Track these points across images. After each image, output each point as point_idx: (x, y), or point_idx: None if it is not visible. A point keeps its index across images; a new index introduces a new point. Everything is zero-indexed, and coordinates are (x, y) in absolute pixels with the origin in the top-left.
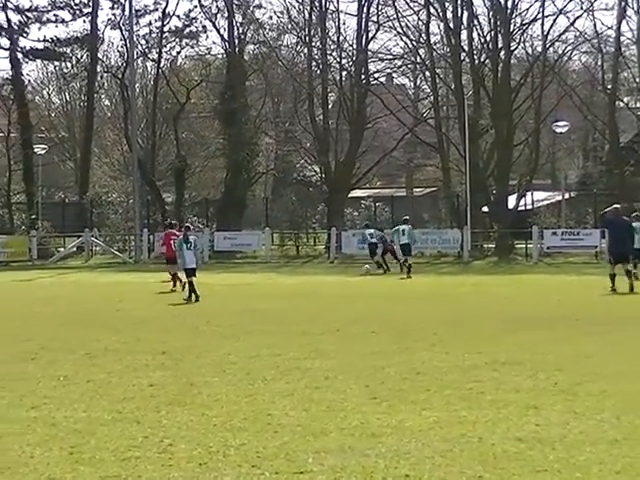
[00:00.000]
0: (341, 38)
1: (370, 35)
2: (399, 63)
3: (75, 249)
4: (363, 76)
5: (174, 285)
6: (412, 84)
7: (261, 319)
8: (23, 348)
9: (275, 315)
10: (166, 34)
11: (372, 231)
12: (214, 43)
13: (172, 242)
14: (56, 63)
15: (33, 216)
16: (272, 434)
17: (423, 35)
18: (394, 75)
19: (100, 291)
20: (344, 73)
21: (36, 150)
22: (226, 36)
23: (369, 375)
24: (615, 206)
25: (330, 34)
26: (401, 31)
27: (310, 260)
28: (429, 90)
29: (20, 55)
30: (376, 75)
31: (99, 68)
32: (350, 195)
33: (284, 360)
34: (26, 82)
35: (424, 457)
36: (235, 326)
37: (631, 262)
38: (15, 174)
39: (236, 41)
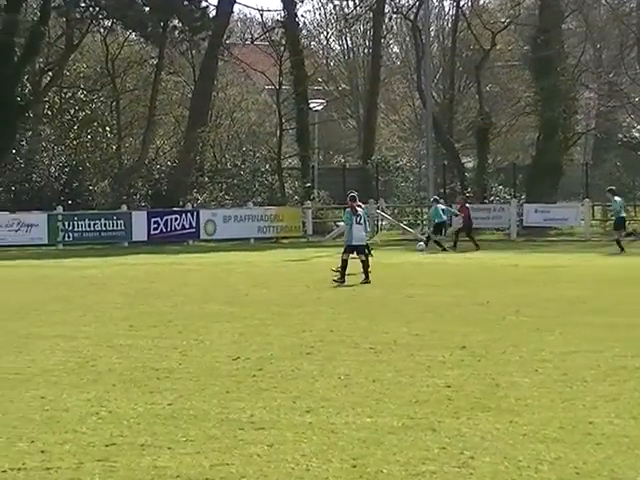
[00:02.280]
0: None
1: None
2: None
3: None
4: None
5: None
6: None
7: (580, 309)
8: (297, 341)
9: (597, 304)
10: None
11: None
12: None
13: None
14: (336, 2)
15: (308, 184)
16: (593, 446)
17: None
18: None
19: (387, 273)
20: None
21: (312, 105)
22: None
23: None
24: None
25: None
26: None
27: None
28: None
29: None
30: None
31: (387, 8)
32: None
33: (607, 358)
34: (301, 25)
35: None
36: (548, 317)
37: None
38: (287, 134)
39: None
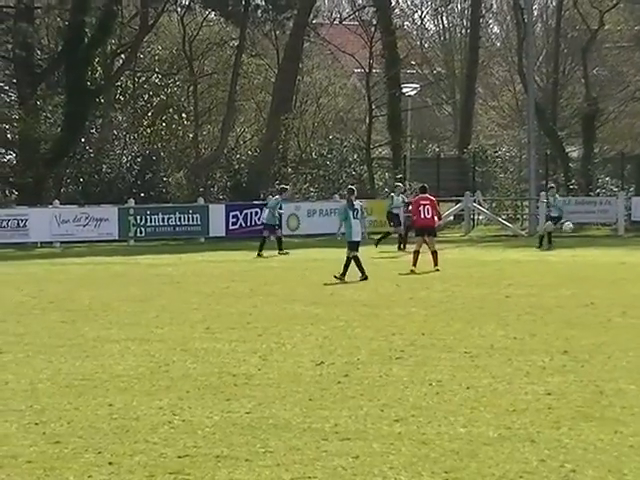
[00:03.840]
0: None
1: None
2: None
3: (452, 217)
4: None
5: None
6: None
7: None
8: (386, 345)
9: None
10: None
11: None
12: None
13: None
14: None
15: (399, 175)
16: None
17: None
18: None
19: (484, 272)
20: None
21: (405, 90)
22: None
23: None
24: None
25: None
26: None
27: None
28: None
29: None
30: None
31: None
32: None
33: None
34: (393, 3)
35: None
36: None
37: None
38: (377, 121)
39: None
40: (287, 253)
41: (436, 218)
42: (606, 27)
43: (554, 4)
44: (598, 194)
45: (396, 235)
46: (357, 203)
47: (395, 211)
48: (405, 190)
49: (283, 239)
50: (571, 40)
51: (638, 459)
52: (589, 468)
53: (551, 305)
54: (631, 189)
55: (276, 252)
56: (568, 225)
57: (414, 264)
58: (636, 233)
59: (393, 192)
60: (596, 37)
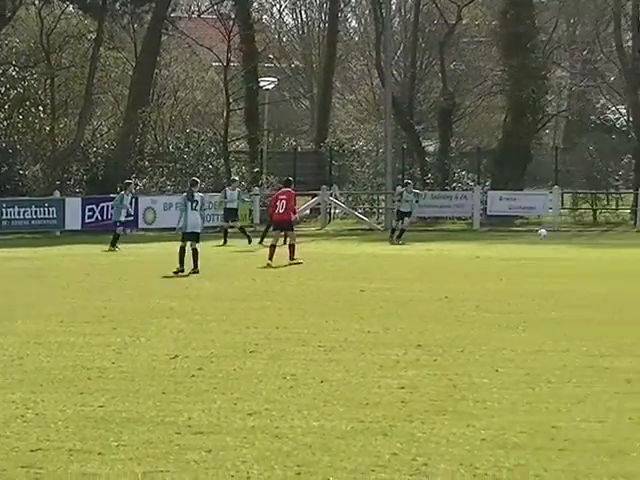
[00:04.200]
0: None
1: None
2: None
3: (309, 211)
4: None
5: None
6: None
7: (546, 304)
8: (241, 338)
9: (564, 299)
10: None
11: None
12: None
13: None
14: None
15: (256, 169)
16: (556, 453)
17: None
18: None
19: (340, 265)
20: None
21: (262, 84)
22: None
23: None
24: None
25: None
26: None
27: (611, 229)
28: None
29: None
30: None
31: None
32: None
33: (574, 357)
34: None
35: None
36: (512, 313)
37: None
38: (235, 115)
39: None
40: (115, 250)
41: (292, 213)
42: (464, 22)
43: None
44: (454, 188)
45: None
46: (198, 195)
47: (230, 205)
48: (262, 184)
49: (139, 232)
50: (429, 34)
51: (490, 452)
52: (441, 461)
53: (406, 299)
54: (487, 183)
55: (131, 246)
56: (543, 232)
57: (270, 258)
58: (491, 227)
59: (229, 186)
60: (454, 32)
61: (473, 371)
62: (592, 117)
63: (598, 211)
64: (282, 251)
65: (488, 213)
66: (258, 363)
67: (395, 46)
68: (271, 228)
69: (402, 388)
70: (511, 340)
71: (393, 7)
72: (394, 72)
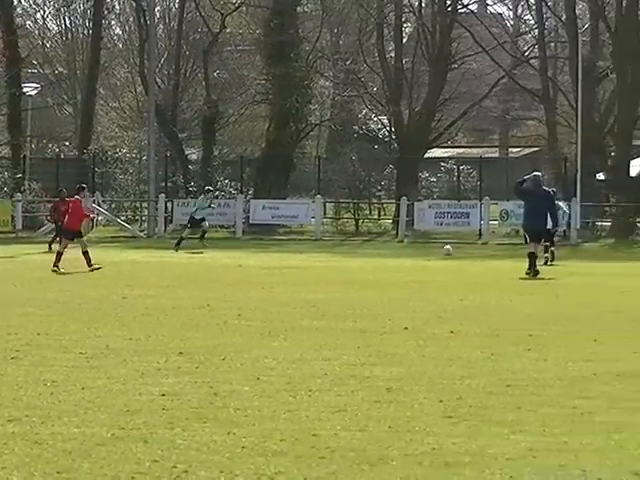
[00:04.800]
0: None
1: None
2: None
3: None
4: (449, 2)
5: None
6: (511, 14)
7: (308, 313)
8: (2, 344)
9: (326, 308)
10: None
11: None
12: None
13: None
14: None
15: (19, 175)
16: (317, 460)
17: None
18: (488, 1)
19: (102, 273)
20: None
21: (26, 90)
22: None
23: (444, 387)
24: (535, 173)
25: None
26: None
27: (373, 238)
28: (533, 22)
29: None
30: (465, 1)
31: None
32: (427, 155)
33: (335, 366)
34: (15, 2)
35: None
36: (274, 321)
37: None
38: None
39: None
40: None
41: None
42: (228, 30)
43: (177, 6)
44: (217, 197)
45: None
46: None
47: None
48: (24, 190)
49: None
50: (193, 42)
51: (250, 460)
52: (202, 469)
53: (168, 306)
54: (250, 192)
55: None
56: (448, 249)
57: (55, 265)
58: (254, 236)
59: None
60: (218, 40)
61: (234, 379)
62: (355, 127)
63: (360, 221)
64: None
65: (251, 222)
66: (19, 369)
67: (159, 54)
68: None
69: (163, 395)
70: (273, 348)
71: (157, 15)
72: (158, 80)
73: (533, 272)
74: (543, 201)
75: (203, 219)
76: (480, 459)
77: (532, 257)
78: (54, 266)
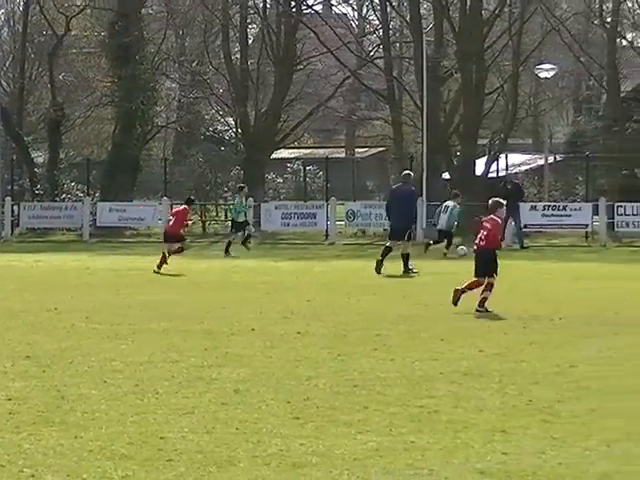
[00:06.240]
0: None
1: None
2: None
3: None
4: (293, 3)
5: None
6: (356, 14)
7: (156, 315)
8: None
9: (174, 310)
10: None
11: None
12: None
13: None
14: None
15: None
16: (164, 463)
17: None
18: (333, 2)
19: None
20: None
21: None
22: None
23: (291, 388)
24: (406, 172)
25: None
26: None
27: (220, 240)
28: (378, 22)
29: None
30: (310, 2)
31: None
32: (273, 156)
33: (183, 368)
34: None
35: None
36: (121, 324)
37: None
38: None
39: None
40: None
41: None
42: (73, 32)
43: (21, 9)
44: (64, 199)
45: None
46: None
47: None
48: None
49: None
50: (38, 45)
51: (97, 463)
52: (48, 473)
53: (15, 310)
54: (97, 194)
55: None
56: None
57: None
58: (102, 238)
59: None
60: (63, 42)
61: (82, 382)
62: (202, 128)
63: (207, 222)
64: None
65: (98, 224)
66: None
67: (4, 57)
68: None
69: (10, 400)
70: (120, 351)
71: (2, 18)
72: (3, 83)
73: (378, 269)
74: (406, 200)
75: (247, 222)
76: (327, 459)
77: (404, 257)
78: None
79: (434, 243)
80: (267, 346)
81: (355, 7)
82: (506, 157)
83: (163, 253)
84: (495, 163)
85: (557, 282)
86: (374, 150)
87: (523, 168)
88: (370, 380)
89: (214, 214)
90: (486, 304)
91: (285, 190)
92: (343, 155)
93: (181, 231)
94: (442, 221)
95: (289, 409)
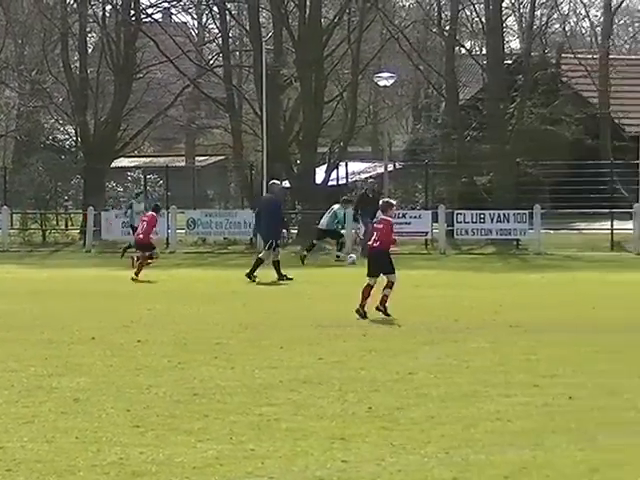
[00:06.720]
0: None
1: None
2: None
3: None
4: (133, 12)
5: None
6: (196, 23)
7: None
8: None
9: (13, 319)
10: None
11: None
12: None
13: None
14: None
15: None
16: (3, 473)
17: None
18: (173, 11)
19: None
20: (108, 7)
21: None
22: None
23: (131, 397)
24: (272, 182)
25: None
26: None
27: (61, 249)
28: (217, 31)
29: None
30: (149, 11)
31: None
32: (114, 165)
33: (23, 377)
34: None
35: None
36: None
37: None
38: None
39: None
40: None
41: None
42: None
43: None
44: None
45: None
46: None
47: None
48: None
49: None
50: None
51: None
52: None
53: None
54: None
55: None
56: (351, 258)
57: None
58: None
59: None
60: None
61: None
62: (42, 137)
63: (47, 231)
64: None
65: None
66: None
67: None
68: None
69: None
70: None
71: None
72: None
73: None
74: (266, 208)
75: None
76: (167, 468)
77: (275, 264)
78: None
79: (308, 251)
80: (107, 355)
81: (195, 16)
82: (346, 165)
83: (134, 258)
84: (335, 171)
85: (397, 289)
86: (214, 158)
87: (363, 176)
88: (210, 388)
89: (54, 223)
90: (387, 304)
91: (125, 199)
92: (183, 164)
93: (150, 239)
94: (323, 220)
95: (129, 418)
